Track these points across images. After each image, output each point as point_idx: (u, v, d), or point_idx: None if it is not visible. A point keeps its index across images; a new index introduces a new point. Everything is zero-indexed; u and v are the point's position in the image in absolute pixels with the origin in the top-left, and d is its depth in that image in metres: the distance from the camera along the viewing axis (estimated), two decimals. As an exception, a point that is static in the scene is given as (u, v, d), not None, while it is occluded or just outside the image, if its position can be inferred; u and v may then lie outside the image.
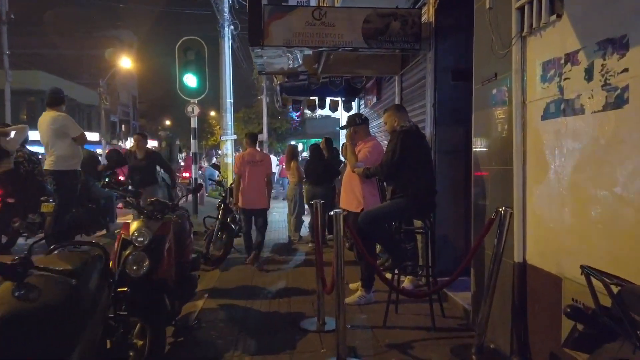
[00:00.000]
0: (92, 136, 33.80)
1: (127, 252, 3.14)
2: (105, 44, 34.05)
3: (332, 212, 3.20)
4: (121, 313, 2.67)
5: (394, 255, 4.14)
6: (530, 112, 3.05)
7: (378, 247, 4.93)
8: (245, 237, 6.58)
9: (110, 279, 2.49)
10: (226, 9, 13.01)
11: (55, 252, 2.44)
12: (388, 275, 4.47)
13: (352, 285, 4.95)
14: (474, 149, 3.90)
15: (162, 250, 3.23)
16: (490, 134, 3.60)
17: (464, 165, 5.08)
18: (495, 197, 3.53)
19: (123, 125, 40.74)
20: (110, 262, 3.11)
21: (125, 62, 29.35)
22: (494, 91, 3.50)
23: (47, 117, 5.19)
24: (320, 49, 5.18)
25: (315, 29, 4.90)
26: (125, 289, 2.77)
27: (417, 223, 4.82)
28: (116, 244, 3.23)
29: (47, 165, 5.18)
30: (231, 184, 9.22)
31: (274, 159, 16.82)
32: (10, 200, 6.01)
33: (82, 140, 5.26)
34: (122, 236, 3.23)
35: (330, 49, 5.08)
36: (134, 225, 3.25)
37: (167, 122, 46.29)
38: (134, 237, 3.18)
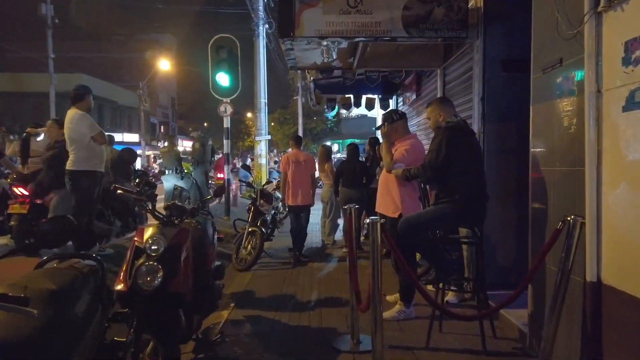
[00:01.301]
0: (132, 137, 34.63)
1: (140, 261, 2.83)
2: (145, 47, 34.82)
3: (367, 220, 2.79)
4: (119, 340, 2.33)
5: (438, 268, 3.68)
6: (608, 102, 2.54)
7: (418, 255, 4.48)
8: (293, 233, 6.90)
9: (107, 298, 2.17)
10: (261, 8, 12.81)
11: (45, 266, 2.14)
12: (429, 288, 4.03)
13: (389, 298, 4.51)
14: (533, 148, 3.41)
15: (179, 260, 2.90)
16: (554, 129, 3.09)
17: (516, 166, 4.57)
18: (559, 203, 3.03)
19: (162, 127, 41.52)
20: (121, 271, 2.83)
21: (164, 65, 29.89)
22: (559, 79, 3.00)
23: (68, 115, 5.02)
24: (356, 40, 4.78)
25: (350, 17, 4.51)
26: (126, 310, 2.43)
27: (462, 231, 4.36)
28: (128, 252, 2.93)
29: (67, 165, 5.01)
30: (264, 185, 8.98)
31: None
32: (38, 202, 5.89)
33: (101, 139, 5.04)
34: (136, 243, 2.93)
35: (367, 39, 4.67)
36: (148, 232, 2.94)
37: (205, 124, 46.92)
38: (147, 246, 2.86)
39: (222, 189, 4.27)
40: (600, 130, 2.59)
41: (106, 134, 6.34)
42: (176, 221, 3.14)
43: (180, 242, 2.97)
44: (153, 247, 2.86)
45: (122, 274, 2.83)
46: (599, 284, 2.61)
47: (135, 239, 2.96)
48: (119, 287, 2.76)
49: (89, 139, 4.94)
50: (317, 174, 7.94)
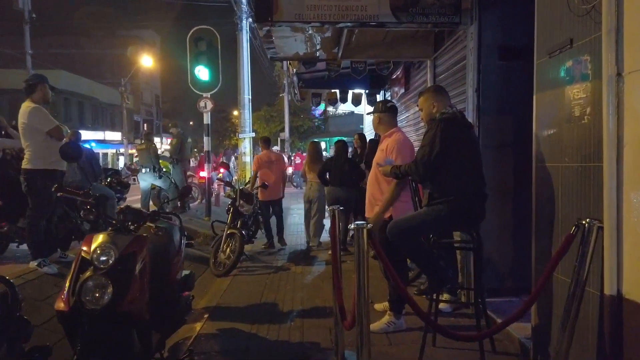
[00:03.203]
0: (114, 135, 33.87)
1: (86, 275, 2.42)
2: (127, 43, 34.01)
3: (352, 225, 2.40)
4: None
5: (432, 277, 3.30)
6: (631, 87, 2.18)
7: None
8: (266, 225, 7.46)
9: (17, 330, 1.76)
10: (244, 1, 12.36)
11: None
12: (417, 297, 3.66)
13: (377, 306, 4.14)
14: (537, 142, 3.05)
15: (132, 273, 2.49)
16: (562, 121, 2.74)
17: (514, 162, 4.23)
18: (569, 204, 2.67)
19: (145, 125, 40.69)
20: (64, 286, 2.42)
21: (147, 61, 29.18)
22: (569, 63, 2.64)
23: (20, 109, 4.54)
24: (340, 25, 4.38)
25: (334, 0, 4.12)
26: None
27: (455, 233, 4.00)
28: (73, 264, 2.51)
29: (23, 163, 4.54)
30: (246, 183, 8.57)
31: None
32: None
33: (58, 134, 4.56)
34: (82, 254, 2.52)
35: (352, 24, 4.28)
36: (96, 241, 2.53)
37: (190, 122, 46.14)
38: (95, 257, 2.46)
39: (188, 190, 3.86)
40: (621, 120, 2.23)
41: (70, 130, 5.89)
42: (132, 227, 2.73)
43: (135, 252, 2.56)
44: (102, 258, 2.46)
45: (64, 290, 2.42)
46: (619, 298, 2.26)
47: (83, 248, 2.55)
48: (60, 306, 2.36)
49: (44, 134, 4.47)
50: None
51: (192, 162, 16.69)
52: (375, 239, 2.52)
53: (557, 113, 2.78)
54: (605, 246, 2.29)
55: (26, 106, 4.49)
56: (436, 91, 3.40)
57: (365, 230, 2.36)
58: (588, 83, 2.48)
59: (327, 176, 6.77)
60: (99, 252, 2.46)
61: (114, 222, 2.70)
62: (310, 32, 5.04)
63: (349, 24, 4.28)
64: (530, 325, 3.15)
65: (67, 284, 2.42)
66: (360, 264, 2.47)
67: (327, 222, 7.64)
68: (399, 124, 6.10)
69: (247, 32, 12.50)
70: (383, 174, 3.65)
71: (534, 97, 3.06)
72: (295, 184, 21.27)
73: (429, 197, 3.20)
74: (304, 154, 24.80)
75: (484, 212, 3.24)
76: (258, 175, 7.43)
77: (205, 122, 9.66)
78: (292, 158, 23.07)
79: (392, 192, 3.70)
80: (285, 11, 4.14)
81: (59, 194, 2.93)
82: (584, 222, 2.34)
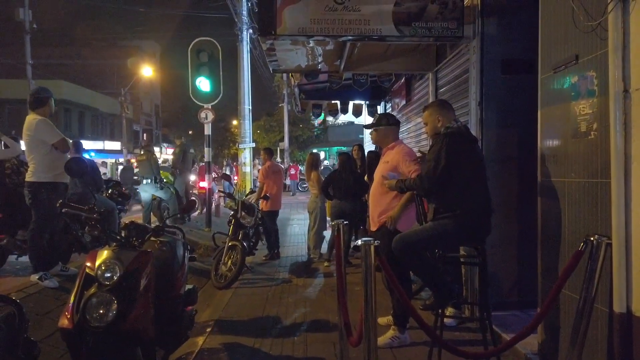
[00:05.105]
0: (114, 145, 33.87)
1: (90, 292, 2.40)
2: (128, 53, 34.19)
3: (359, 242, 2.39)
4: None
5: (438, 292, 3.28)
6: (638, 104, 2.19)
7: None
8: (267, 236, 7.41)
9: (25, 352, 1.73)
10: (244, 12, 12.45)
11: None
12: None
13: (381, 320, 4.10)
14: (541, 157, 3.05)
15: (137, 290, 2.48)
16: (567, 136, 2.74)
17: (516, 175, 4.23)
18: (576, 220, 2.67)
19: (145, 134, 40.72)
20: (68, 303, 2.39)
21: (147, 71, 29.30)
22: (574, 79, 2.65)
23: (26, 122, 4.54)
24: (343, 39, 4.40)
25: (337, 14, 4.13)
26: None
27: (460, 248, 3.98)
28: (77, 280, 2.49)
29: (27, 176, 4.53)
30: (247, 194, 8.55)
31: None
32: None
33: (64, 146, 4.56)
34: (86, 270, 2.50)
35: (355, 38, 4.29)
36: (101, 256, 2.51)
37: (190, 132, 46.17)
38: (99, 273, 2.44)
39: (193, 205, 3.79)
40: (629, 136, 2.23)
41: (71, 140, 5.88)
42: (136, 242, 2.71)
43: (140, 268, 2.54)
44: (106, 275, 2.44)
45: (68, 306, 2.40)
46: (628, 315, 2.25)
47: (87, 264, 2.53)
48: (64, 323, 2.33)
49: (49, 147, 4.47)
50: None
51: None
52: (382, 256, 2.50)
53: (563, 128, 2.78)
54: (614, 263, 2.28)
55: (32, 118, 4.50)
56: (441, 105, 3.40)
57: (372, 247, 2.34)
58: (594, 99, 2.48)
59: (331, 189, 6.73)
60: (103, 268, 2.45)
61: (118, 237, 2.69)
62: (312, 44, 5.06)
63: (350, 37, 4.29)
64: (537, 341, 3.13)
65: (71, 301, 2.40)
66: (368, 282, 2.45)
67: (326, 234, 7.62)
68: (400, 135, 6.12)
69: (247, 43, 12.57)
70: (388, 187, 3.64)
71: (539, 112, 3.06)
72: (291, 193, 22.85)
73: (435, 212, 3.18)
74: (299, 165, 25.33)
75: (490, 226, 3.22)
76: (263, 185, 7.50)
77: (206, 133, 9.67)
78: (288, 169, 23.71)
79: (405, 199, 3.72)
80: (289, 25, 4.15)
81: (63, 210, 2.91)
82: (592, 238, 2.33)
